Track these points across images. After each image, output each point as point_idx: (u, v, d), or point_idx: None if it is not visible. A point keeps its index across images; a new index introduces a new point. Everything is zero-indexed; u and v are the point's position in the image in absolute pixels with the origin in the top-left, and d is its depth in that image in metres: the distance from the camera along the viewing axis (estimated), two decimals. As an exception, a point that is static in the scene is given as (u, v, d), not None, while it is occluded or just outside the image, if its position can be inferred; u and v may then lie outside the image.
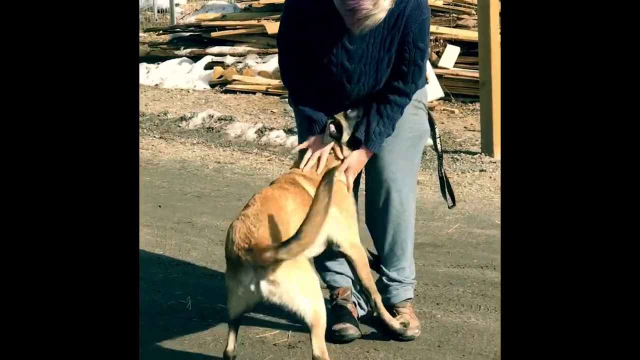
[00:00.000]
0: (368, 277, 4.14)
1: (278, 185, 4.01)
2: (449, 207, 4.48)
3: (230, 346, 3.83)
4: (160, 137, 9.06)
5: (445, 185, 4.42)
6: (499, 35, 7.69)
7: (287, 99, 9.67)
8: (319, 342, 3.71)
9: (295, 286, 3.68)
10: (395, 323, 4.21)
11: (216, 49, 11.65)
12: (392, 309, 4.39)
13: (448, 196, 4.43)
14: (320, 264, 4.51)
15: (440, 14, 10.37)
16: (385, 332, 4.31)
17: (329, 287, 4.50)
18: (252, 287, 3.66)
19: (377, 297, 4.16)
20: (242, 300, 3.74)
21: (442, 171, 4.44)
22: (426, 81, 4.39)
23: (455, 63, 9.69)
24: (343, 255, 4.13)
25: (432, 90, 9.27)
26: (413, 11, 4.02)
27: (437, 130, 4.46)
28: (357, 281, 4.22)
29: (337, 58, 4.09)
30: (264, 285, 3.65)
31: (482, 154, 7.74)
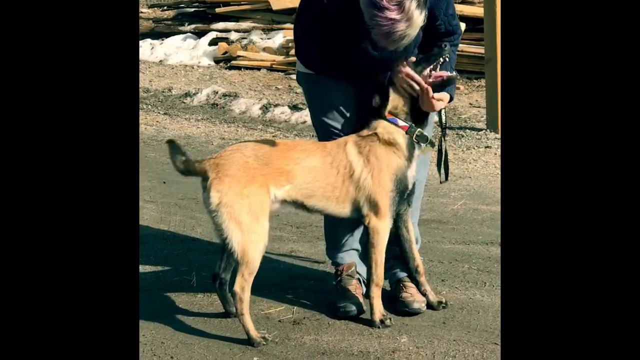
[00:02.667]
0: (377, 263, 4.15)
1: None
2: (441, 182, 4.44)
3: (216, 268, 4.23)
4: (165, 114, 9.05)
5: (442, 160, 4.37)
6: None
7: (293, 75, 9.65)
8: (240, 280, 3.97)
9: (228, 209, 3.91)
10: (377, 316, 4.19)
11: (221, 25, 11.62)
12: (399, 284, 4.40)
13: (442, 171, 4.38)
14: (328, 239, 4.52)
15: (446, -11, 10.31)
16: (393, 307, 4.34)
17: (334, 264, 4.50)
18: (203, 195, 3.99)
19: (377, 289, 4.17)
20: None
21: (444, 145, 4.38)
22: None
23: (461, 39, 9.64)
24: (365, 231, 4.19)
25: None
26: None
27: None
28: (367, 261, 4.22)
29: (363, 57, 4.07)
30: (205, 194, 3.96)
31: (487, 130, 7.72)
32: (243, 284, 3.97)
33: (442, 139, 4.31)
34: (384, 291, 4.31)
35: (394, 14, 3.66)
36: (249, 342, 4.02)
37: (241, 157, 3.99)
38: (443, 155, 4.34)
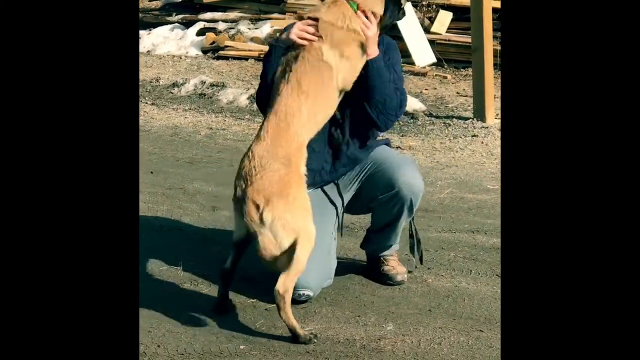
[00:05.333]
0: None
1: (296, 88, 4.08)
2: (415, 267, 4.61)
3: (227, 264, 4.18)
4: (153, 104, 9.04)
5: (415, 245, 4.55)
6: (491, 0, 7.66)
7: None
8: (288, 282, 3.94)
9: (282, 223, 3.91)
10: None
11: (208, 15, 11.59)
12: (380, 259, 4.56)
13: (417, 256, 4.54)
14: None
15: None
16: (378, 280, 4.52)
17: None
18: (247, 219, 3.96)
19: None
20: (242, 227, 4.02)
21: (413, 228, 4.57)
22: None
23: (448, 28, 9.66)
24: None
25: (425, 55, 9.24)
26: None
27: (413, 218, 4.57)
28: None
29: None
30: (254, 216, 3.93)
31: (474, 119, 7.73)
32: (288, 286, 3.93)
33: (412, 224, 4.48)
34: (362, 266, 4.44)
35: None
36: (296, 340, 3.96)
37: (272, 174, 3.94)
38: (415, 241, 4.53)
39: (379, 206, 4.41)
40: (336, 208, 4.45)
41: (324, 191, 4.42)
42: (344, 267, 4.66)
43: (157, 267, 4.85)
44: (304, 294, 4.26)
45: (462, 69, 9.31)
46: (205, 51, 10.99)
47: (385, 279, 4.53)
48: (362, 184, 4.44)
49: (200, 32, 11.33)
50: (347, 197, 4.48)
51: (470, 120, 7.74)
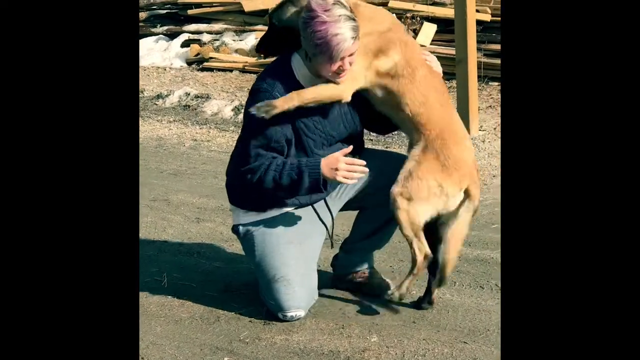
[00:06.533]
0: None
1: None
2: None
3: (429, 249, 4.30)
4: (137, 115, 9.04)
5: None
6: (475, 13, 7.69)
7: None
8: None
9: None
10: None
11: (193, 27, 11.60)
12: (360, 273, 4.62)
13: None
14: None
15: (417, -9, 10.35)
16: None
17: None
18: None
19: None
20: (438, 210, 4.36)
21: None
22: None
23: (432, 40, 9.69)
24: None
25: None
26: None
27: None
28: None
29: (325, 133, 4.30)
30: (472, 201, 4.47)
31: (459, 131, 7.74)
32: None
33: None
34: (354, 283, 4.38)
35: (324, 17, 4.01)
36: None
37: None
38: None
39: (374, 204, 4.43)
40: (326, 225, 4.44)
41: (314, 209, 4.40)
42: (327, 279, 4.66)
43: (140, 279, 4.83)
44: (296, 315, 4.26)
45: (446, 81, 9.33)
46: (189, 63, 11.00)
47: (378, 290, 4.51)
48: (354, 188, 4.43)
49: (185, 44, 11.34)
50: (337, 207, 4.47)
51: (455, 132, 7.75)
